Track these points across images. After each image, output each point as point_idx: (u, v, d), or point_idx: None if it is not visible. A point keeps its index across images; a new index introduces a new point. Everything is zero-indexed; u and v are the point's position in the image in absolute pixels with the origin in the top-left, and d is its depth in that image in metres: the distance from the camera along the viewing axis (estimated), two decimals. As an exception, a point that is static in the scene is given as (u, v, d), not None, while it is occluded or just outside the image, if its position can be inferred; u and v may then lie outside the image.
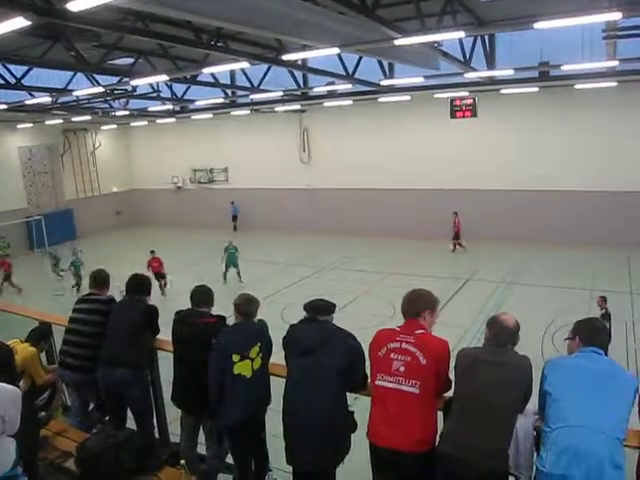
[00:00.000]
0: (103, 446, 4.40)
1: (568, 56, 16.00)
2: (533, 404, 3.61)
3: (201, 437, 5.37)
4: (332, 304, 4.57)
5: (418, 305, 4.04)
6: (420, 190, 25.04)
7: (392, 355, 3.84)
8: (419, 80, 17.53)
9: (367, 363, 4.22)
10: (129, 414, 5.72)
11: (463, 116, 22.74)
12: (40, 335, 6.13)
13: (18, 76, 15.25)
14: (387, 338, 3.95)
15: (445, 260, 21.21)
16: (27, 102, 17.42)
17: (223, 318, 5.11)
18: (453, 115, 23.04)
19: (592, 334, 3.53)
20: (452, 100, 22.67)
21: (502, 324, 3.73)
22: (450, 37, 11.48)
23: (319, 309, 4.47)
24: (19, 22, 7.15)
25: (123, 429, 5.41)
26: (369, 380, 4.11)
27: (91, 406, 6.05)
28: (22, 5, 7.44)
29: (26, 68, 14.96)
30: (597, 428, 3.08)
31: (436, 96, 21.93)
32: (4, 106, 17.73)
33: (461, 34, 11.19)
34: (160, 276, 18.32)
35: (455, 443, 3.53)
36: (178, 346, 5.11)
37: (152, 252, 19.28)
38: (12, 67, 14.94)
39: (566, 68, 15.70)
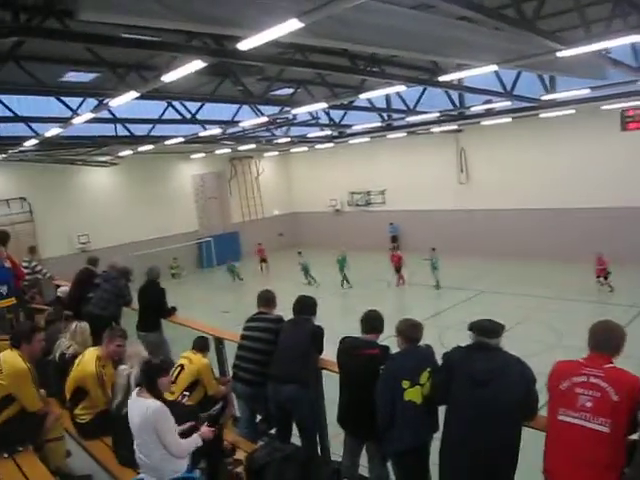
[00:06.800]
0: (270, 458, 4.68)
1: None
2: None
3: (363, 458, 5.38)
4: (501, 326, 4.29)
5: (614, 340, 3.73)
6: (588, 209, 23.10)
7: (577, 390, 3.55)
8: (585, 92, 16.42)
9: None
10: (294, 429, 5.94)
11: (638, 128, 20.92)
12: (204, 344, 6.70)
13: (193, 111, 16.84)
14: (570, 371, 3.67)
15: (615, 286, 19.29)
16: (200, 134, 19.04)
17: (387, 348, 5.04)
18: (624, 127, 21.25)
19: None
20: (623, 111, 20.94)
21: None
22: (621, 42, 10.65)
23: (488, 331, 4.21)
24: (197, 64, 7.98)
25: (288, 443, 5.66)
26: (545, 413, 3.82)
27: (258, 418, 6.42)
28: (198, 49, 8.39)
29: (199, 104, 16.47)
30: None
31: (604, 108, 20.29)
32: (181, 139, 19.57)
33: (635, 38, 10.32)
34: None
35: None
36: (343, 375, 5.17)
37: None
38: (188, 104, 16.52)
39: None
